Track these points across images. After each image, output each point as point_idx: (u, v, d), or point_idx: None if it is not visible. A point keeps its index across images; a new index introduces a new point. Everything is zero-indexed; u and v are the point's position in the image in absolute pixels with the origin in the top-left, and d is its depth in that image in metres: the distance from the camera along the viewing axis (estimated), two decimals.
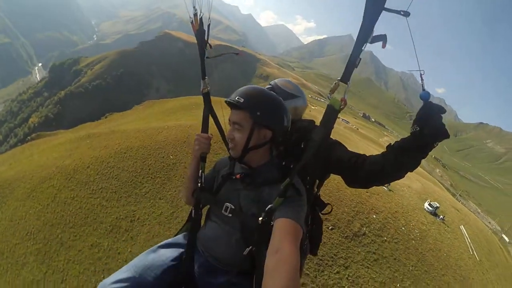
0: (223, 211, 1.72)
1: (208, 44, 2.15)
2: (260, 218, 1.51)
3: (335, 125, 1.84)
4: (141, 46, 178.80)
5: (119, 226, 6.13)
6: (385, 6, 1.32)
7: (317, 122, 2.19)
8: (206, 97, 2.22)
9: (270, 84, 2.33)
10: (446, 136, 1.31)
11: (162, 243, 1.96)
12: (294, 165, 1.70)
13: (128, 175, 7.65)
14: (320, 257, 6.16)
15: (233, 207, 1.71)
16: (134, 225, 6.22)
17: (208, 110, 2.19)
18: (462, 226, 14.02)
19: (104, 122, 34.86)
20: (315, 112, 47.21)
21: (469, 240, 12.81)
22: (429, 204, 13.80)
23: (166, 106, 31.88)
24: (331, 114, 1.59)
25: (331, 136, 1.81)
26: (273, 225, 1.45)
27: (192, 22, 2.11)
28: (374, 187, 2.27)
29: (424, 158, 1.41)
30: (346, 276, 6.23)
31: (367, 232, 7.67)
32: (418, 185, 18.79)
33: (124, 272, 1.66)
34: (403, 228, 8.82)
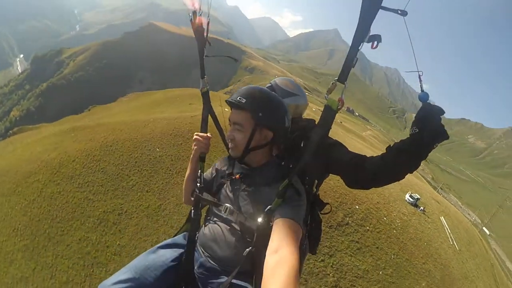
0: (222, 212, 1.73)
1: (207, 42, 2.15)
2: (260, 219, 1.52)
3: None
4: (125, 37, 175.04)
5: (107, 220, 6.10)
6: (382, 5, 1.31)
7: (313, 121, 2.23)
8: (206, 97, 2.21)
9: (270, 83, 2.34)
10: (446, 137, 1.31)
11: (161, 243, 1.95)
12: (293, 165, 1.72)
13: (115, 168, 7.60)
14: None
15: (232, 207, 1.72)
16: (122, 218, 6.20)
17: (208, 110, 2.18)
18: (442, 217, 14.31)
19: (87, 115, 34.29)
20: None
21: (449, 231, 13.12)
22: (410, 196, 14.00)
23: (151, 99, 31.57)
24: (329, 114, 1.57)
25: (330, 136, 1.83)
26: (272, 225, 1.45)
27: (191, 20, 2.09)
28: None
29: (423, 159, 1.40)
30: (331, 264, 6.36)
31: (350, 222, 7.80)
32: None
33: (124, 273, 1.68)
34: (384, 218, 8.99)
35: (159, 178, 7.62)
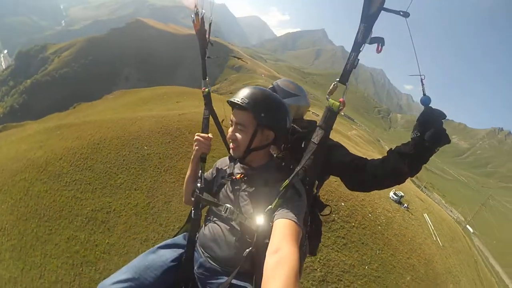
0: (222, 212, 1.73)
1: (209, 43, 2.15)
2: (260, 220, 1.52)
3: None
4: (111, 33, 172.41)
5: (95, 218, 6.04)
6: (384, 6, 1.31)
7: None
8: (207, 98, 2.21)
9: (273, 85, 2.34)
10: (447, 141, 1.31)
11: (161, 243, 1.97)
12: (293, 166, 1.73)
13: (102, 166, 7.51)
14: None
15: (232, 207, 1.72)
16: (111, 217, 6.15)
17: (209, 111, 2.18)
18: (425, 214, 14.59)
19: (72, 112, 33.75)
20: None
21: (432, 227, 13.39)
22: (394, 193, 14.21)
23: (137, 96, 31.15)
24: (330, 116, 1.59)
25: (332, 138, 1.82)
26: (272, 225, 1.46)
27: (193, 22, 2.11)
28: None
29: (425, 163, 1.40)
30: (318, 259, 6.45)
31: (336, 218, 7.91)
32: None
33: (124, 272, 1.68)
34: (369, 215, 9.14)
35: (147, 176, 7.58)
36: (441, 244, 12.25)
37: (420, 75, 1.35)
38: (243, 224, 1.65)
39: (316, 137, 1.60)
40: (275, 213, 1.50)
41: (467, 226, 72.73)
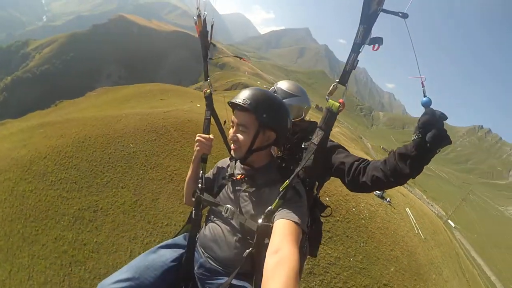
0: (223, 212, 1.72)
1: (211, 44, 2.16)
2: (260, 220, 1.51)
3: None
4: (93, 29, 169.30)
5: (82, 217, 5.95)
6: (383, 7, 1.30)
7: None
8: (209, 99, 2.19)
9: (274, 86, 2.36)
10: (449, 142, 1.29)
11: (162, 243, 1.94)
12: (294, 167, 1.72)
13: (88, 165, 7.41)
14: None
15: (233, 208, 1.71)
16: (98, 215, 6.07)
17: (211, 112, 2.17)
18: (407, 208, 14.85)
19: (55, 110, 33.01)
20: None
21: (414, 221, 13.67)
22: None
23: (120, 93, 30.75)
24: (330, 116, 1.58)
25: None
26: (272, 226, 1.45)
27: (195, 23, 2.11)
28: None
29: (426, 164, 1.39)
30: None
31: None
32: None
33: (124, 272, 1.65)
34: (353, 209, 9.28)
35: (133, 174, 7.52)
36: (423, 237, 12.52)
37: (420, 77, 1.34)
38: (243, 224, 1.65)
39: (316, 138, 1.59)
40: (275, 213, 1.49)
41: (449, 220, 74.20)
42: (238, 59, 2.66)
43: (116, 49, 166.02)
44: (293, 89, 2.31)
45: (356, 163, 1.70)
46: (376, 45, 1.40)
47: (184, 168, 8.53)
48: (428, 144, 1.28)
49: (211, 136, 2.02)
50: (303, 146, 1.98)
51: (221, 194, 1.86)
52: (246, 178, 1.76)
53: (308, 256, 2.21)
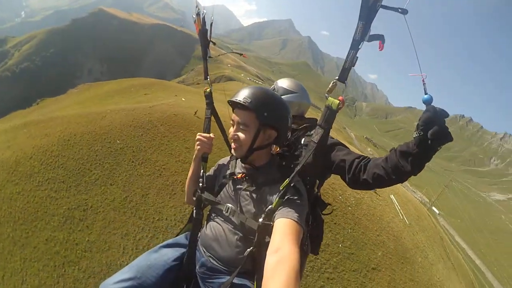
0: (224, 211, 1.73)
1: (211, 43, 2.15)
2: (261, 219, 1.52)
3: None
4: (73, 24, 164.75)
5: (73, 217, 5.86)
6: (382, 3, 1.30)
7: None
8: (209, 97, 2.18)
9: (273, 84, 2.37)
10: (450, 139, 1.29)
11: (163, 243, 1.96)
12: (294, 165, 1.72)
13: (75, 163, 7.28)
14: None
15: (234, 207, 1.72)
16: (88, 214, 5.99)
17: (211, 111, 2.17)
18: (392, 195, 15.08)
19: (37, 108, 32.12)
20: None
21: (399, 207, 13.95)
22: None
23: (103, 89, 30.09)
24: (330, 114, 1.57)
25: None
26: (273, 225, 1.45)
27: (194, 22, 2.09)
28: None
29: (428, 161, 1.39)
30: None
31: None
32: None
33: (126, 272, 1.67)
34: (340, 197, 9.42)
35: (122, 170, 7.44)
36: (407, 222, 12.82)
37: (421, 75, 1.32)
38: (244, 223, 1.66)
39: (316, 136, 1.59)
40: (276, 212, 1.50)
41: (433, 207, 75.76)
42: (240, 55, 2.65)
43: (97, 44, 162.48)
44: (293, 86, 2.33)
45: (357, 160, 1.72)
46: (382, 44, 1.40)
47: (172, 162, 8.47)
48: (429, 142, 1.28)
49: (211, 135, 2.01)
50: (302, 143, 2.00)
51: (222, 193, 1.86)
52: (247, 177, 1.77)
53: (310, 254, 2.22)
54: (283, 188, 1.53)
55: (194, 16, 2.10)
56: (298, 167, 1.57)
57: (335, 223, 8.00)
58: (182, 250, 1.92)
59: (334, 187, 9.69)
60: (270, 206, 1.53)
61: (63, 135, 8.52)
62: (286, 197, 1.54)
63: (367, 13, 1.33)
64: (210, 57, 2.21)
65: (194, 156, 2.02)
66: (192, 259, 1.85)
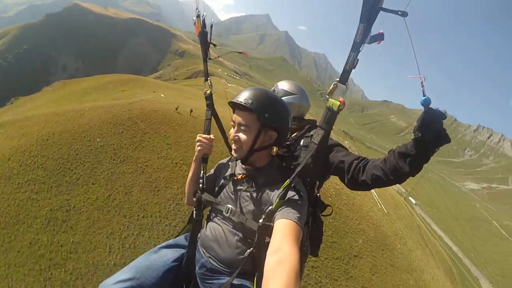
0: (224, 212, 1.71)
1: (211, 44, 2.11)
2: (261, 220, 1.50)
3: None
4: (47, 19, 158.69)
5: (56, 218, 5.73)
6: (383, 6, 1.30)
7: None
8: (209, 99, 2.15)
9: (273, 86, 2.36)
10: (448, 141, 1.31)
11: (163, 244, 1.93)
12: (294, 166, 1.73)
13: (55, 163, 7.10)
14: None
15: (234, 208, 1.70)
16: (71, 214, 5.87)
17: (211, 112, 2.12)
18: None
19: (11, 108, 31.13)
20: (231, 90, 46.95)
21: (377, 197, 14.33)
22: None
23: (79, 86, 29.39)
24: (330, 115, 1.56)
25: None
26: (273, 226, 1.44)
27: (194, 24, 2.06)
28: None
29: (426, 163, 1.40)
30: None
31: None
32: None
33: (125, 272, 1.64)
34: (320, 188, 9.72)
35: (103, 168, 7.34)
36: (386, 211, 13.24)
37: (420, 77, 1.33)
38: (244, 224, 1.64)
39: (317, 137, 1.59)
40: (276, 213, 1.48)
41: (409, 197, 77.51)
42: (239, 53, 2.60)
43: (72, 40, 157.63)
44: (293, 88, 2.34)
45: (356, 161, 1.72)
46: (379, 41, 1.40)
47: (154, 159, 8.43)
48: (428, 143, 1.30)
49: (211, 136, 1.99)
50: (301, 144, 2.01)
51: (222, 194, 1.84)
52: (247, 178, 1.75)
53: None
54: (283, 189, 1.52)
55: (194, 18, 2.07)
56: (299, 168, 1.56)
57: None
58: (182, 251, 1.90)
59: None
60: (270, 207, 1.52)
61: (41, 134, 8.27)
62: (286, 198, 1.53)
63: (368, 16, 1.34)
64: (210, 59, 2.17)
65: (194, 157, 1.99)
66: (192, 260, 1.84)
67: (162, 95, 19.30)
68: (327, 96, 1.55)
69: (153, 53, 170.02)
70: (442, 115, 1.28)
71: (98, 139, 8.39)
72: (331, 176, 2.01)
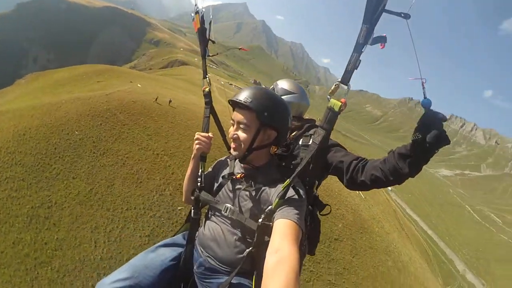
0: (222, 211, 1.70)
1: (210, 41, 2.08)
2: (260, 220, 1.49)
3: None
4: (17, 9, 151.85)
5: (38, 215, 5.55)
6: (386, 8, 1.29)
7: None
8: (208, 96, 2.11)
9: (273, 85, 2.34)
10: (448, 142, 1.31)
11: (161, 242, 1.91)
12: (293, 166, 1.73)
13: (33, 159, 6.87)
14: None
15: (232, 207, 1.69)
16: (54, 211, 5.71)
17: (210, 110, 2.09)
18: None
19: None
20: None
21: None
22: None
23: (53, 78, 28.29)
24: (331, 116, 1.53)
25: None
26: (272, 225, 1.43)
27: (193, 20, 2.03)
28: None
29: (425, 164, 1.40)
30: None
31: None
32: None
33: (123, 271, 1.62)
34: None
35: (84, 162, 7.18)
36: (363, 197, 13.74)
37: (421, 79, 1.34)
38: (243, 224, 1.64)
39: (318, 137, 1.56)
40: (276, 213, 1.48)
41: None
42: (238, 49, 2.54)
43: (43, 30, 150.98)
44: (292, 87, 2.33)
45: (355, 162, 1.73)
46: (383, 44, 1.39)
47: (135, 151, 8.33)
48: (428, 144, 1.30)
49: (210, 134, 1.97)
50: (300, 143, 2.01)
51: (220, 193, 1.83)
52: (246, 177, 1.74)
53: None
54: (283, 189, 1.50)
55: (192, 14, 2.05)
56: (299, 168, 1.54)
57: None
58: (180, 249, 1.89)
59: None
60: (270, 207, 1.51)
61: (17, 129, 7.94)
62: (286, 198, 1.52)
63: (371, 17, 1.33)
64: (209, 55, 2.15)
65: (193, 155, 1.96)
66: (190, 259, 1.83)
67: (139, 85, 18.96)
68: (328, 97, 1.53)
69: (128, 42, 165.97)
70: (442, 117, 1.29)
71: (76, 132, 8.18)
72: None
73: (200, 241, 1.82)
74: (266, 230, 1.48)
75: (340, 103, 1.49)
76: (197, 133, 1.93)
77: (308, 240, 2.04)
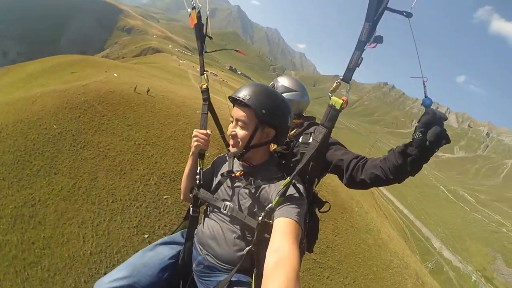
0: (221, 209, 1.68)
1: (208, 37, 2.03)
2: (260, 218, 1.49)
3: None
4: None
5: (22, 215, 5.37)
6: (388, 6, 1.27)
7: None
8: (205, 93, 2.05)
9: (273, 81, 2.31)
10: (448, 141, 1.31)
11: (159, 241, 1.89)
12: (293, 164, 1.74)
13: (12, 156, 6.61)
14: None
15: (231, 205, 1.68)
16: (38, 209, 5.55)
17: (208, 107, 2.04)
18: None
19: None
20: (184, 66, 45.52)
21: None
22: None
23: (24, 72, 26.96)
24: (333, 114, 1.52)
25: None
26: (272, 224, 1.43)
27: (189, 15, 1.98)
28: None
29: (426, 163, 1.40)
30: None
31: None
32: None
33: (121, 270, 1.61)
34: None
35: (64, 157, 6.99)
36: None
37: (422, 78, 1.33)
38: (242, 221, 1.63)
39: (319, 135, 1.54)
40: (276, 211, 1.48)
41: None
42: (235, 51, 2.51)
43: (11, 22, 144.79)
44: (293, 84, 2.31)
45: (355, 160, 1.73)
46: (374, 44, 1.38)
47: (116, 142, 8.17)
48: (428, 143, 1.30)
49: (208, 131, 1.93)
50: (300, 141, 2.00)
51: (219, 191, 1.82)
52: (245, 175, 1.73)
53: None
54: (283, 187, 1.49)
55: (189, 10, 2.01)
56: (300, 166, 1.53)
57: None
58: (179, 248, 1.88)
59: None
60: (269, 205, 1.51)
61: None
62: (286, 196, 1.51)
63: (373, 15, 1.31)
64: (206, 52, 2.10)
65: (191, 152, 1.93)
66: (189, 257, 1.83)
67: (115, 74, 18.42)
68: (329, 94, 1.52)
69: (99, 30, 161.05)
70: (443, 116, 1.30)
71: (54, 126, 7.91)
72: None
73: (199, 239, 1.81)
74: (266, 228, 1.48)
75: (342, 101, 1.49)
76: (195, 130, 1.90)
77: (307, 238, 2.07)
